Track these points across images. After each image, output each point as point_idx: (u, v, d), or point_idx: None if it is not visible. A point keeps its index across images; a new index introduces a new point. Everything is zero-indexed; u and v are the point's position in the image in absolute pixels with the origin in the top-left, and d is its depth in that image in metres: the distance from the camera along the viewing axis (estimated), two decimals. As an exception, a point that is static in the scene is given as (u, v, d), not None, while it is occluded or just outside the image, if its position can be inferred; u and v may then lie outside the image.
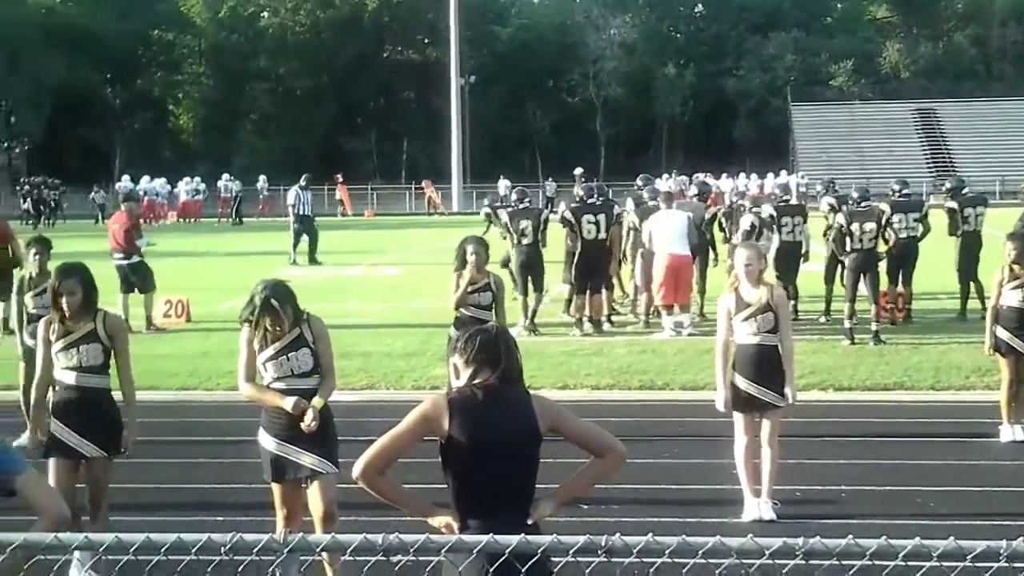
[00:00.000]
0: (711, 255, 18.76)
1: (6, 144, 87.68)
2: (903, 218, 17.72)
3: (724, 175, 62.72)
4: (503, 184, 62.66)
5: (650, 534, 3.35)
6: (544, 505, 4.54)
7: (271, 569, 4.49)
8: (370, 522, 5.81)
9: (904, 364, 14.67)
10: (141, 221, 20.22)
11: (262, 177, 58.75)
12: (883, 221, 16.85)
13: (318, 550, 3.52)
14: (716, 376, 8.83)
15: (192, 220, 55.01)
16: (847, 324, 16.35)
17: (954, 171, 66.82)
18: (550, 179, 63.57)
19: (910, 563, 3.27)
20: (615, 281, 19.41)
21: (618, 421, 11.34)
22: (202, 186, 58.16)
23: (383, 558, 3.44)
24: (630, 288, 19.71)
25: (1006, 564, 3.24)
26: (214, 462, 10.51)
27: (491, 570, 3.75)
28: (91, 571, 7.16)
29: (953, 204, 18.40)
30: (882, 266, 17.15)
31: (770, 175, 63.40)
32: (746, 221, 16.85)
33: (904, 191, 18.49)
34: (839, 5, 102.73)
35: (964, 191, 18.88)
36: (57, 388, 7.40)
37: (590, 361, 15.21)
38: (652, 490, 9.33)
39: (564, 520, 7.78)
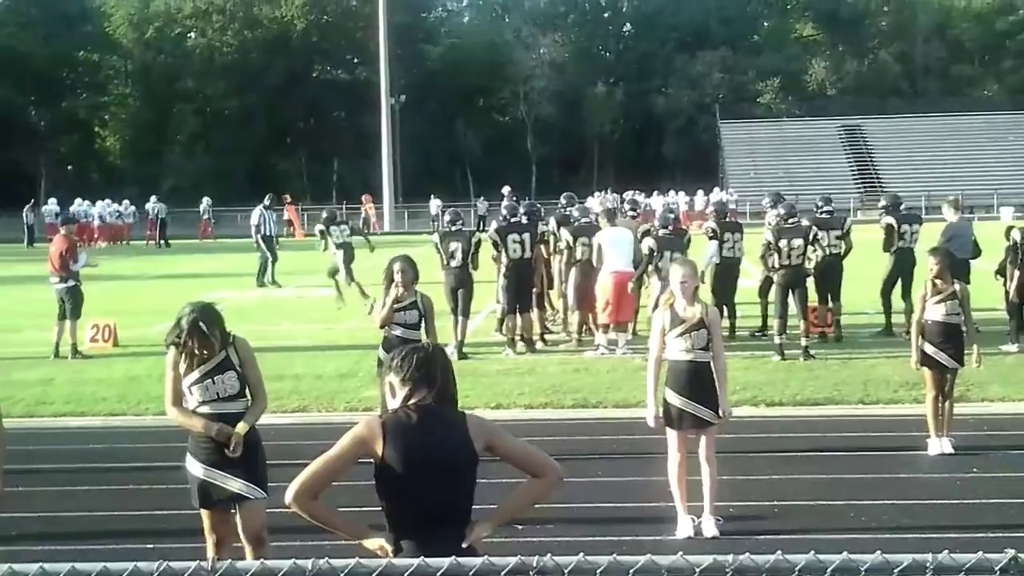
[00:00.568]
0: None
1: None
2: (825, 235, 17.91)
3: (655, 192, 63.22)
4: (434, 204, 62.71)
5: (581, 554, 3.35)
6: (480, 527, 4.50)
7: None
8: (302, 547, 5.76)
9: (833, 379, 14.83)
10: (77, 244, 19.89)
11: (205, 199, 58.18)
12: (810, 238, 17.10)
13: (247, 577, 3.48)
14: (647, 392, 8.85)
15: (120, 242, 54.36)
16: (777, 340, 16.51)
17: (881, 187, 67.98)
18: (481, 198, 63.64)
19: (839, 578, 3.29)
20: (547, 300, 19.43)
21: (552, 440, 11.35)
22: (131, 208, 57.49)
23: (313, 584, 3.41)
24: (559, 305, 19.75)
25: (932, 577, 3.27)
26: (143, 488, 10.36)
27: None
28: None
29: (891, 220, 18.43)
30: (810, 282, 17.36)
31: (699, 192, 63.97)
32: (644, 246, 16.71)
33: (827, 208, 18.56)
34: (765, 24, 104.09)
35: (901, 207, 18.95)
36: None
37: (523, 380, 15.21)
38: (586, 509, 9.33)
39: (498, 541, 7.76)
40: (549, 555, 3.36)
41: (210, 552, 6.98)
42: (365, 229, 60.68)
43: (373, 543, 4.46)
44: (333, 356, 17.43)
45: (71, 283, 18.29)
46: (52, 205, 54.56)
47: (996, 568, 3.24)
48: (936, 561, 3.24)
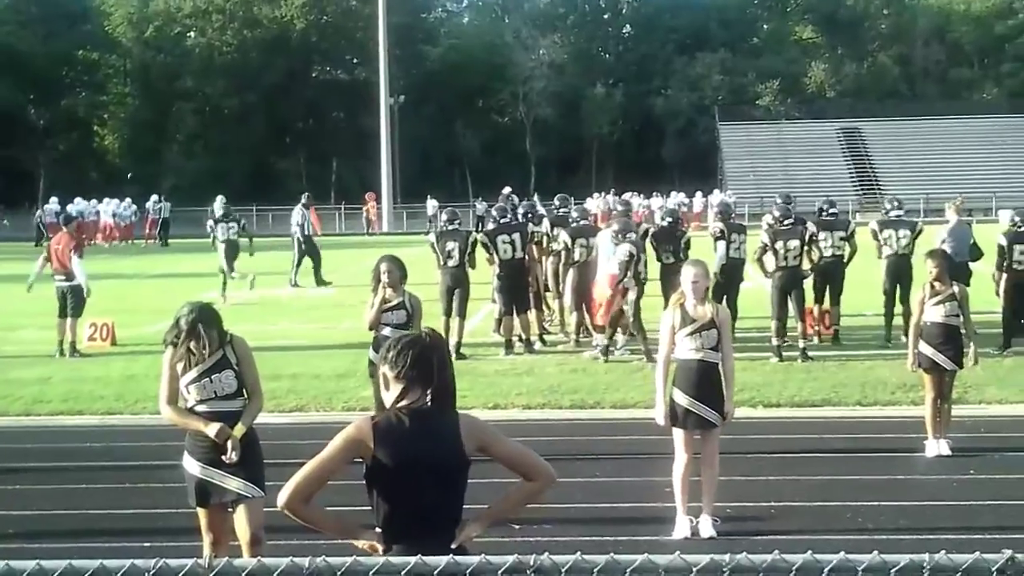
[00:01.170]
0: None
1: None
2: (829, 236, 17.88)
3: (654, 194, 63.28)
4: (431, 204, 62.65)
5: (578, 553, 3.35)
6: (470, 527, 4.48)
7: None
8: (298, 545, 5.76)
9: (831, 381, 14.83)
10: (83, 241, 19.94)
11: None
12: (807, 239, 17.10)
13: (244, 575, 3.48)
14: (656, 390, 8.84)
15: (124, 241, 54.31)
16: (775, 341, 16.52)
17: (879, 189, 68.07)
18: (480, 198, 63.64)
19: (836, 578, 3.29)
20: (544, 301, 19.42)
21: (549, 440, 11.35)
22: (132, 207, 57.30)
23: (310, 582, 3.40)
24: (554, 306, 19.72)
25: (929, 577, 3.27)
26: (140, 487, 10.37)
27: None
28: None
29: (873, 225, 18.38)
30: (808, 283, 17.37)
31: (698, 194, 64.03)
32: (623, 251, 16.65)
33: (831, 210, 18.55)
34: (765, 26, 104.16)
35: (891, 213, 18.56)
36: None
37: (521, 380, 15.21)
38: (583, 509, 9.34)
39: (495, 540, 7.77)
40: (546, 554, 3.36)
41: (206, 551, 6.99)
42: (369, 230, 61.01)
43: (363, 542, 4.46)
44: (331, 356, 17.42)
45: (75, 281, 18.28)
46: (53, 204, 54.41)
47: (993, 569, 3.23)
48: (933, 561, 3.24)
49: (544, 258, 19.13)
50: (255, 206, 62.89)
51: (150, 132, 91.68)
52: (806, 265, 17.44)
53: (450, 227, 17.90)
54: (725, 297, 17.38)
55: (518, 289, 17.69)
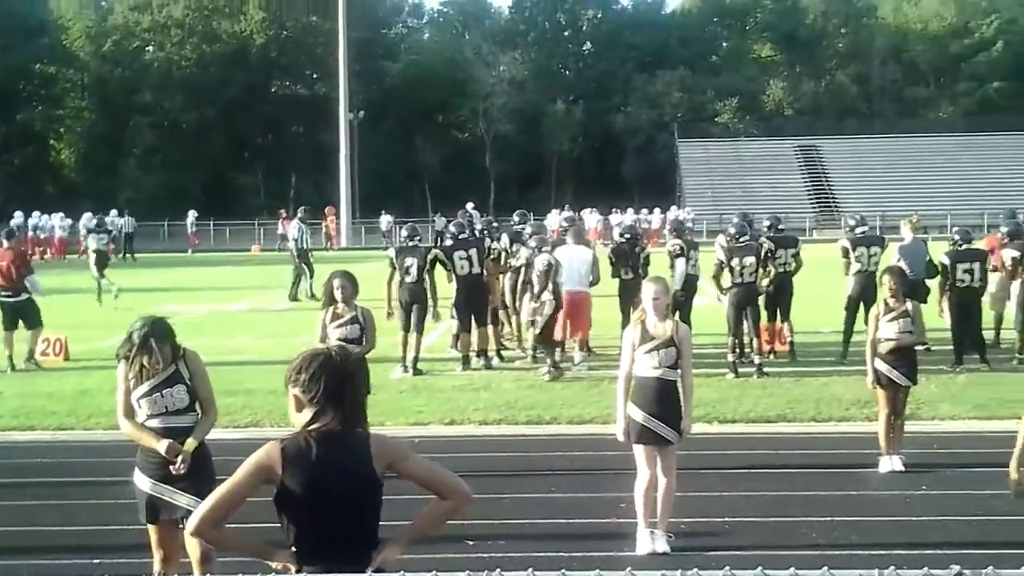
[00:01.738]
0: None
1: None
2: (783, 253, 18.02)
3: (614, 210, 63.49)
4: (385, 220, 62.59)
5: (530, 569, 3.34)
6: (388, 550, 4.43)
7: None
8: (249, 562, 5.71)
9: (786, 397, 14.90)
10: (26, 255, 19.82)
11: (191, 212, 57.63)
12: (763, 255, 17.20)
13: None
14: (616, 407, 8.84)
15: (64, 256, 53.63)
16: (730, 357, 16.59)
17: (836, 206, 68.59)
18: (439, 214, 63.62)
19: (785, 593, 3.29)
20: (501, 315, 19.40)
21: (505, 456, 11.34)
22: (93, 222, 56.58)
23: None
24: (513, 322, 19.67)
25: (877, 593, 3.28)
26: (92, 503, 10.25)
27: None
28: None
29: (845, 242, 18.34)
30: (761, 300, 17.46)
31: (656, 210, 64.30)
32: (541, 261, 16.67)
33: (779, 227, 18.68)
34: (724, 44, 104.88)
35: (857, 230, 18.53)
36: None
37: (478, 396, 15.19)
38: (538, 525, 9.33)
39: (448, 556, 7.74)
40: (498, 570, 3.34)
41: (157, 567, 6.97)
42: (328, 244, 60.77)
43: (277, 562, 4.41)
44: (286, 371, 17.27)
45: (23, 296, 18.11)
46: (18, 219, 53.57)
47: (940, 584, 3.25)
48: (881, 577, 3.25)
49: (501, 274, 19.11)
50: (212, 220, 62.60)
51: (107, 146, 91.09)
52: (765, 282, 17.55)
53: (409, 243, 17.85)
54: (678, 313, 17.44)
55: (476, 305, 17.68)
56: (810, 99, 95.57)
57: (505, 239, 19.52)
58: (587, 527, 9.41)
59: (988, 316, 18.50)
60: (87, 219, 28.51)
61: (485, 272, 17.95)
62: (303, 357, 4.58)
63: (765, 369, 16.60)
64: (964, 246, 17.42)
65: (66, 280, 34.30)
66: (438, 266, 17.63)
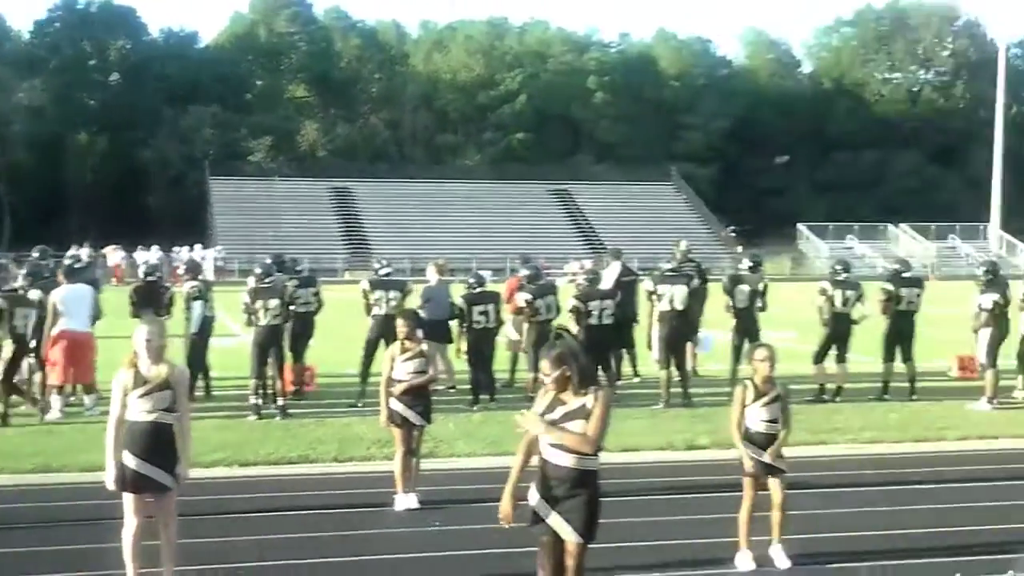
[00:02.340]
0: None
1: None
2: (304, 293, 18.36)
3: (139, 247, 61.58)
4: None
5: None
6: None
7: None
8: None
9: (309, 437, 14.88)
10: None
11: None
12: (287, 296, 17.14)
13: None
14: (107, 454, 8.38)
15: None
16: (253, 400, 16.40)
17: (368, 248, 69.73)
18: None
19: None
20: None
21: (11, 508, 10.60)
22: None
23: None
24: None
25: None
26: None
27: None
28: None
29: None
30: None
31: (185, 247, 63.03)
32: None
33: (297, 268, 19.16)
34: (258, 83, 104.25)
35: (381, 272, 18.30)
36: None
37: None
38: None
39: None
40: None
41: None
42: None
43: None
44: None
45: None
46: None
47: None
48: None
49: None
50: None
51: None
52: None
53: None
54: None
55: None
56: (344, 141, 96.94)
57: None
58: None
59: (505, 355, 19.40)
60: None
61: None
62: None
63: (289, 411, 16.53)
64: (478, 289, 18.10)
65: None
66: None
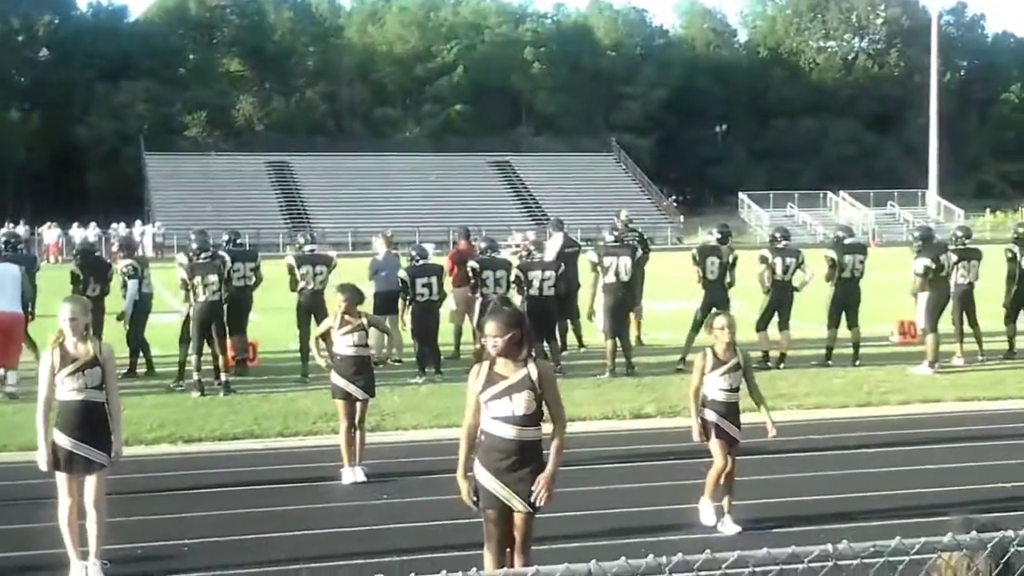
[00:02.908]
0: None
1: None
2: (241, 267, 18.28)
3: (76, 224, 60.79)
4: None
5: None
6: None
7: None
8: None
9: (254, 413, 14.76)
10: None
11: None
12: (226, 272, 17.02)
13: None
14: (38, 435, 8.24)
15: None
16: (195, 376, 16.23)
17: (308, 222, 69.34)
18: None
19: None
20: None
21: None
22: None
23: None
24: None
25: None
26: None
27: None
28: None
29: (291, 259, 17.97)
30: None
31: (122, 224, 62.29)
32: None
33: (238, 240, 19.11)
34: (191, 56, 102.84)
35: (306, 248, 18.07)
36: None
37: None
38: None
39: None
40: None
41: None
42: None
43: None
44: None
45: None
46: None
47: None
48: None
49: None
50: None
51: None
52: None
53: None
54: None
55: None
56: (281, 115, 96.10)
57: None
58: (26, 560, 8.78)
59: (448, 328, 19.36)
60: None
61: None
62: None
63: (233, 386, 16.40)
64: (421, 262, 17.96)
65: None
66: None
